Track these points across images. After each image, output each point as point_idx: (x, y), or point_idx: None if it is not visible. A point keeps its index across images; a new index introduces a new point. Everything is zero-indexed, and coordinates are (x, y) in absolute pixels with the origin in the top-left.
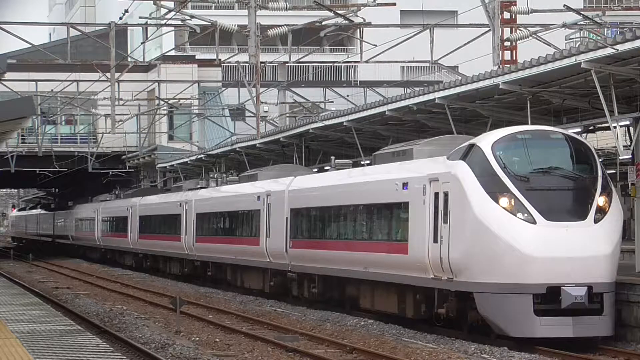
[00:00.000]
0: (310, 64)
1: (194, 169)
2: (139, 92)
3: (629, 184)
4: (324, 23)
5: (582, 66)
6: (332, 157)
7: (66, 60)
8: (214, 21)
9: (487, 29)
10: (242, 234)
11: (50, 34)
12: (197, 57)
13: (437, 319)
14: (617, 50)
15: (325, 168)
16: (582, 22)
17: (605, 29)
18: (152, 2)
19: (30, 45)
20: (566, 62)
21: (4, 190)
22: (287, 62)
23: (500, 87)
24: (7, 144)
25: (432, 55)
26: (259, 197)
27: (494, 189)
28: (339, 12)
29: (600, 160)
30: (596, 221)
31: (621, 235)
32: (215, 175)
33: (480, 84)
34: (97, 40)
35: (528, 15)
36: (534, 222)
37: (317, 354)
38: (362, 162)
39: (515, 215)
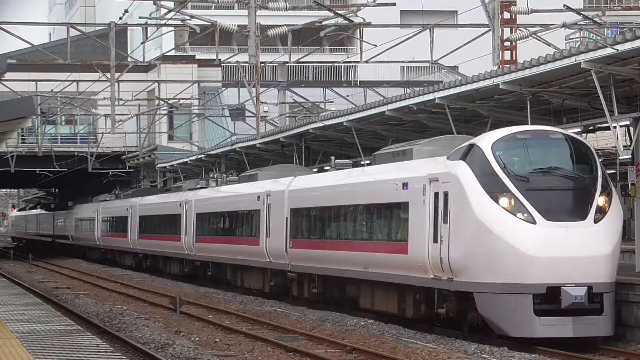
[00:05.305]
0: (310, 64)
1: (194, 169)
2: (139, 92)
3: (629, 184)
4: (324, 23)
5: (582, 66)
6: (332, 157)
7: (66, 60)
8: (214, 21)
9: (487, 29)
10: (242, 234)
11: (50, 34)
12: (197, 57)
13: (437, 319)
14: (617, 50)
15: (325, 168)
16: (582, 22)
17: (605, 29)
18: (152, 2)
19: (30, 45)
20: (566, 62)
21: (4, 190)
22: (287, 62)
23: (500, 87)
24: (7, 144)
25: (432, 55)
26: (259, 197)
27: (494, 189)
28: (339, 12)
29: (600, 160)
30: (596, 221)
31: (621, 235)
32: (215, 175)
33: (480, 84)
34: (97, 40)
35: (528, 15)
36: (534, 222)
37: (317, 354)
38: (362, 162)
39: (515, 215)
